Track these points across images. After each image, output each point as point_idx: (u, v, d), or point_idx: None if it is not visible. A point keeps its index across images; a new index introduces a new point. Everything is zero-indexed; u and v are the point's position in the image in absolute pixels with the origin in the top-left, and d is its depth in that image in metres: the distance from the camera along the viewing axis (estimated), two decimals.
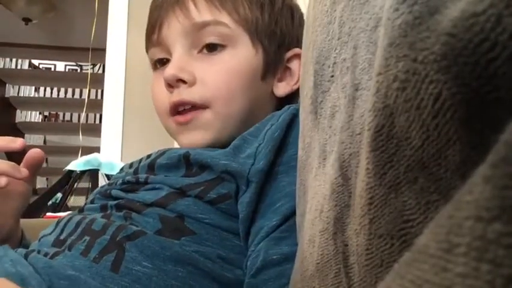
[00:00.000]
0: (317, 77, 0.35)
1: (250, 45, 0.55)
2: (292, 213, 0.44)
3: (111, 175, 1.63)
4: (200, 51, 0.55)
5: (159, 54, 0.58)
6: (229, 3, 0.55)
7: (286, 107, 0.52)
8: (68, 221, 0.51)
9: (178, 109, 0.55)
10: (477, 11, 0.15)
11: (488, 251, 0.10)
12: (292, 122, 0.49)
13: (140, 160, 0.58)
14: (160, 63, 0.59)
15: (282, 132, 0.48)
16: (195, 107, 0.54)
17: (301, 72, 0.43)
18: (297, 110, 0.50)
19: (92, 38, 2.06)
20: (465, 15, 0.16)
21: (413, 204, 0.19)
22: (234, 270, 0.45)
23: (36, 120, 4.89)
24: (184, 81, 0.54)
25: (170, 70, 0.53)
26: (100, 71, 4.29)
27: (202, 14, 0.54)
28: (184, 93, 0.53)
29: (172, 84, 0.54)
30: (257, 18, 0.55)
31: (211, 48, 0.54)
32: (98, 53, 2.31)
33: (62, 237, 0.48)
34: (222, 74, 0.54)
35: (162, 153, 0.54)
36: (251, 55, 0.56)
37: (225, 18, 0.54)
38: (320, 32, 0.35)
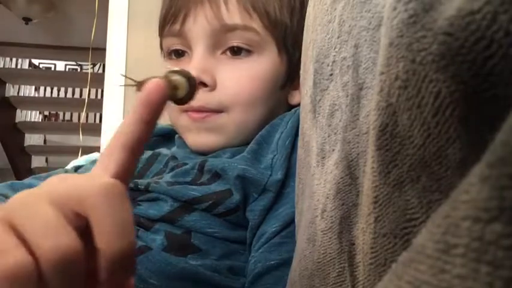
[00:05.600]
0: (316, 75, 0.35)
1: (276, 53, 0.53)
2: (293, 219, 0.43)
3: None
4: (224, 52, 0.53)
5: (177, 45, 0.55)
6: (260, 6, 0.52)
7: (293, 110, 0.51)
8: None
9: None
10: (473, 9, 0.15)
11: (487, 253, 0.10)
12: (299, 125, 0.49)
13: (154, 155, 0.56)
14: (177, 54, 0.56)
15: (292, 138, 0.48)
16: (211, 110, 0.52)
17: (302, 71, 0.43)
18: None
19: (92, 38, 2.06)
20: (461, 14, 0.16)
21: (416, 203, 0.19)
22: (240, 279, 0.45)
23: (36, 120, 4.88)
24: (205, 84, 0.51)
25: (192, 71, 0.51)
26: (100, 71, 4.30)
27: (232, 16, 0.51)
28: (203, 98, 0.51)
29: None
30: (286, 24, 0.53)
31: (236, 51, 0.52)
32: (98, 52, 2.31)
33: None
34: (244, 81, 0.52)
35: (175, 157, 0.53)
36: (276, 63, 0.53)
37: (255, 23, 0.52)
38: (320, 31, 0.35)
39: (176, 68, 0.33)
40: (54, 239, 0.23)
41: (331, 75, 0.32)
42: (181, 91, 0.32)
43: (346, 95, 0.29)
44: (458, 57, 0.16)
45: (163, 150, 0.57)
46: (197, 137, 0.53)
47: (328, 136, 0.31)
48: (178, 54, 0.56)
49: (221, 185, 0.46)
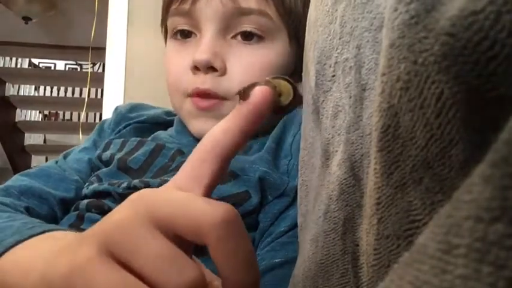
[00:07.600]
0: (318, 76, 0.35)
1: (287, 42, 0.52)
2: None
3: None
4: (234, 36, 0.51)
5: (184, 25, 0.53)
6: None
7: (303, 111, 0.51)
8: None
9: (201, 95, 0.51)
10: (476, 9, 0.15)
11: (489, 253, 0.10)
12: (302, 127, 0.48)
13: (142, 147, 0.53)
14: (183, 34, 0.54)
15: None
16: (217, 96, 0.50)
17: (303, 72, 0.43)
18: None
19: (92, 37, 2.06)
20: (464, 14, 0.16)
21: (418, 204, 0.19)
22: None
23: (36, 119, 4.88)
24: (215, 69, 0.50)
25: (203, 54, 0.49)
26: (100, 70, 4.29)
27: None
28: (211, 83, 0.49)
29: (202, 70, 0.49)
30: (299, 14, 0.52)
31: (248, 36, 0.50)
32: (98, 51, 2.31)
33: None
34: (254, 69, 0.50)
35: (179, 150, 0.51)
36: (286, 53, 0.52)
37: (270, 9, 0.50)
38: (321, 32, 0.35)
39: (276, 75, 0.30)
40: (179, 274, 0.21)
41: (333, 76, 0.32)
42: (286, 98, 0.29)
43: (349, 96, 0.29)
44: (460, 58, 0.16)
45: (169, 143, 0.55)
46: (203, 124, 0.51)
47: (332, 137, 0.31)
48: (185, 34, 0.54)
49: (237, 186, 0.45)
